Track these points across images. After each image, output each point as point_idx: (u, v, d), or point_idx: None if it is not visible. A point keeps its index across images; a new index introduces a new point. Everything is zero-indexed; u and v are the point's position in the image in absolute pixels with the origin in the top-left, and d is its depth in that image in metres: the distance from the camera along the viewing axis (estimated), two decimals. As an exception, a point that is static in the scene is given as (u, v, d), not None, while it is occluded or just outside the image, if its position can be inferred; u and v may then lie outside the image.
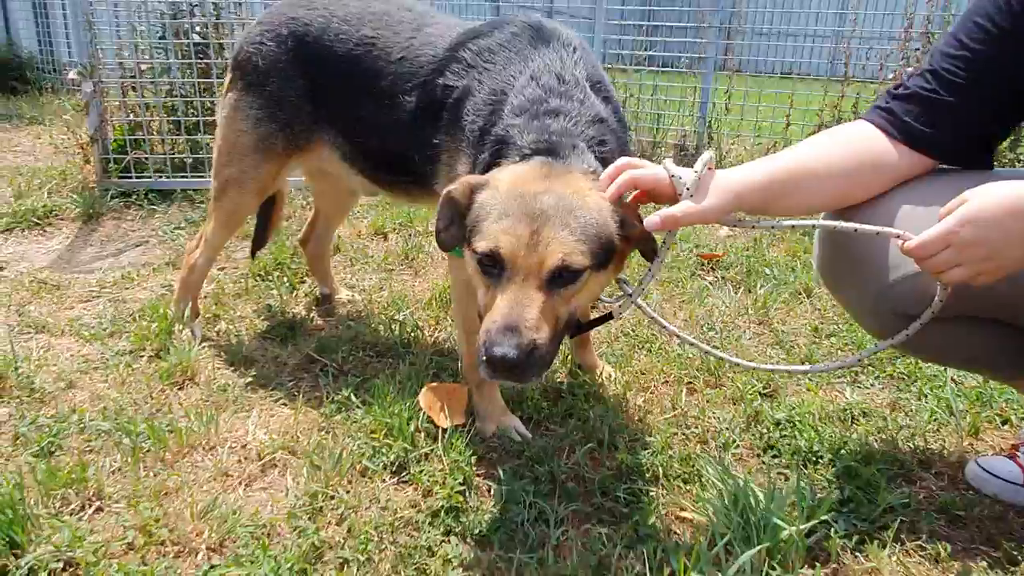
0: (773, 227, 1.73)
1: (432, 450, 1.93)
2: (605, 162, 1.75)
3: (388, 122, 2.15)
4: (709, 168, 1.59)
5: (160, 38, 4.65)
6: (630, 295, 1.83)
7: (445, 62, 2.02)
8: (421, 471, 1.86)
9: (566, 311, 1.58)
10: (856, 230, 1.62)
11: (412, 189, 2.32)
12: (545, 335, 1.49)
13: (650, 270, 1.74)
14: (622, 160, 1.65)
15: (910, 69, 4.86)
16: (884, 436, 2.16)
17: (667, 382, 2.46)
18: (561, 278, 1.53)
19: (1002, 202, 1.39)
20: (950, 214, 1.45)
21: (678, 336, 1.88)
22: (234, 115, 2.41)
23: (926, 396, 2.40)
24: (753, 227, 1.73)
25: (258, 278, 3.20)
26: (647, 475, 1.89)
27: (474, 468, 1.89)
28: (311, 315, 2.90)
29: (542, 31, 1.95)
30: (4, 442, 1.96)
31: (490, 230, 1.55)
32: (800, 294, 3.30)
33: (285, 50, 2.31)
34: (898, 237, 1.54)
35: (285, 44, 2.31)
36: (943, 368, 2.52)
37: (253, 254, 2.96)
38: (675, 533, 1.71)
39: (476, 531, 1.69)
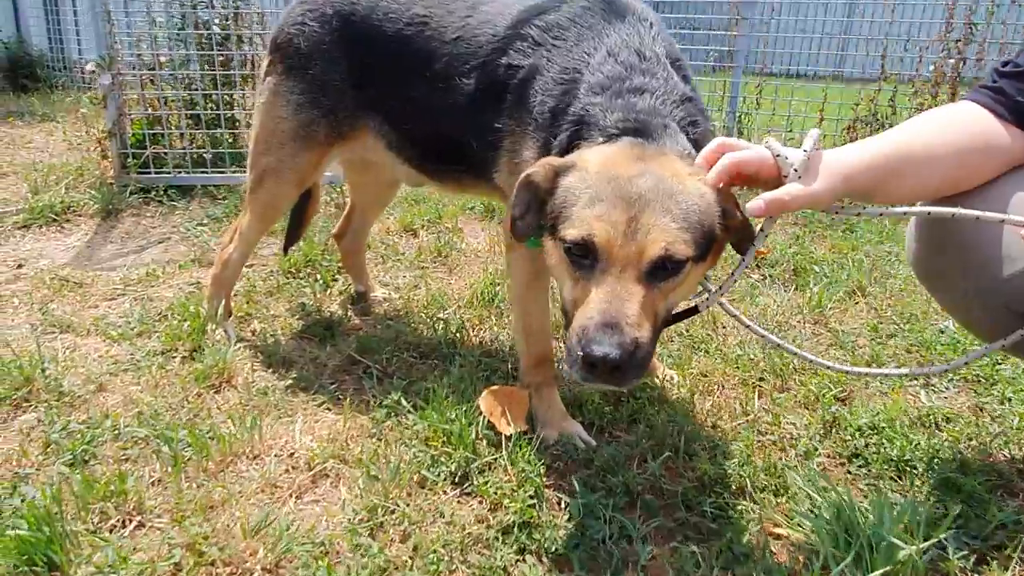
0: (882, 214, 1.57)
1: (496, 459, 1.78)
2: (697, 145, 1.61)
3: (442, 106, 2.00)
4: (817, 148, 1.45)
5: (179, 30, 4.52)
6: (713, 291, 1.68)
7: (508, 40, 1.87)
8: (486, 482, 1.72)
9: (664, 307, 1.44)
10: (978, 218, 1.47)
11: (464, 178, 2.17)
12: (647, 333, 1.35)
13: (743, 261, 1.60)
14: (717, 141, 1.50)
15: (951, 61, 4.71)
16: (975, 444, 2.01)
17: (731, 385, 2.31)
18: (663, 270, 1.39)
19: None
20: None
21: (770, 340, 1.73)
22: (273, 101, 2.26)
23: (1009, 400, 2.25)
24: (858, 215, 1.57)
25: (289, 276, 3.06)
26: (732, 487, 1.74)
27: (544, 479, 1.74)
28: (348, 314, 2.76)
29: (615, 4, 1.81)
30: (34, 449, 1.82)
31: (582, 216, 1.41)
32: (855, 293, 3.15)
33: (329, 31, 2.16)
34: None
35: (329, 24, 2.16)
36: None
37: (286, 250, 2.82)
38: (772, 552, 1.56)
39: (553, 549, 1.54)
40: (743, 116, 5.59)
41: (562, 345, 1.97)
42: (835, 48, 7.09)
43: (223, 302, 2.50)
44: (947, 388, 2.37)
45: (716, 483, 1.75)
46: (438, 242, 3.57)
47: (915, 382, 2.40)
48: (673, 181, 1.42)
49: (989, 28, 4.78)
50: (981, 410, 2.21)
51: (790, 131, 5.75)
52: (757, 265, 3.52)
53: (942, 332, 2.75)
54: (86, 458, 1.79)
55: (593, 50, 1.73)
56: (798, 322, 2.91)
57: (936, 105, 4.67)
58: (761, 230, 1.56)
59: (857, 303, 3.08)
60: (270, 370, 2.31)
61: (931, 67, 4.83)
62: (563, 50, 1.77)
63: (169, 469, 1.75)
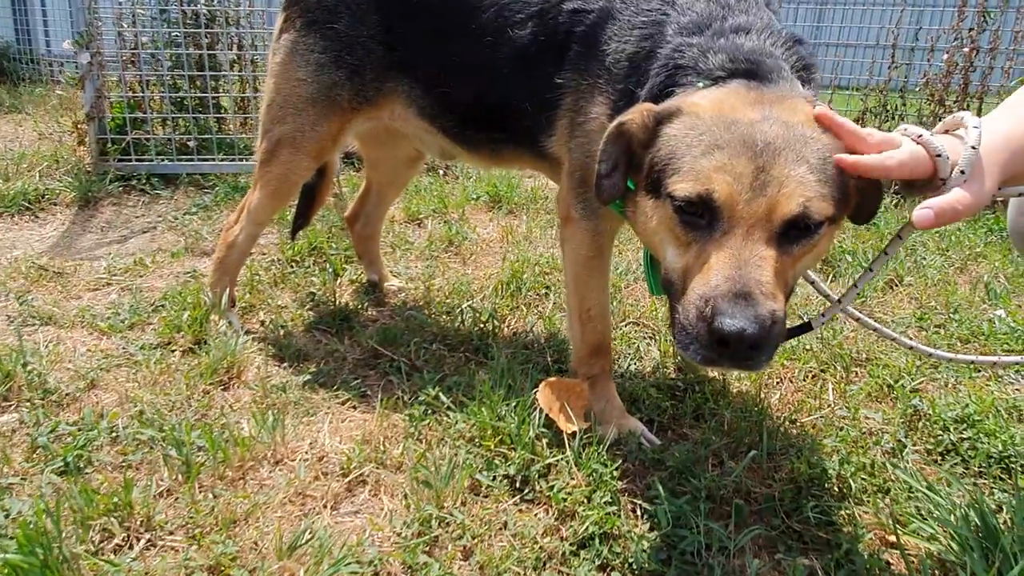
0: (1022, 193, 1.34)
1: (559, 460, 1.56)
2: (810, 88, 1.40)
3: (489, 64, 1.77)
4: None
5: (163, 8, 4.22)
6: (838, 301, 1.48)
7: None
8: (551, 487, 1.49)
9: (794, 275, 1.23)
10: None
11: (504, 149, 1.95)
12: (782, 305, 1.14)
13: (870, 267, 1.40)
14: (846, 127, 1.25)
15: (965, 50, 4.59)
16: (1072, 438, 1.83)
17: (794, 377, 2.11)
18: (798, 230, 1.18)
19: None
20: None
21: (910, 346, 1.53)
22: (290, 60, 2.01)
23: (1091, 390, 2.09)
24: (1021, 194, 1.35)
25: (293, 264, 2.80)
26: (832, 489, 1.54)
27: (618, 483, 1.52)
28: (363, 304, 2.51)
29: None
30: (18, 455, 1.55)
31: (697, 168, 1.19)
32: (894, 283, 2.98)
33: None
34: None
35: None
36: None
37: (294, 234, 2.56)
38: (890, 564, 1.35)
39: (643, 565, 1.32)
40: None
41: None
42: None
43: (228, 289, 2.24)
44: (1016, 379, 2.20)
45: (812, 484, 1.54)
46: (449, 231, 3.33)
47: (981, 373, 2.23)
48: (805, 127, 1.22)
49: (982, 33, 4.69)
50: (1063, 400, 2.05)
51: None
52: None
53: (993, 322, 2.59)
54: (80, 465, 1.52)
55: None
56: (841, 313, 2.73)
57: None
58: (899, 236, 1.35)
59: (898, 294, 2.91)
60: (284, 364, 2.06)
61: (944, 56, 4.71)
62: None
63: (180, 477, 1.50)
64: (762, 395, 1.98)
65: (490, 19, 1.76)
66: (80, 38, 3.76)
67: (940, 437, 1.78)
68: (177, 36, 4.16)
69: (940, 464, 1.72)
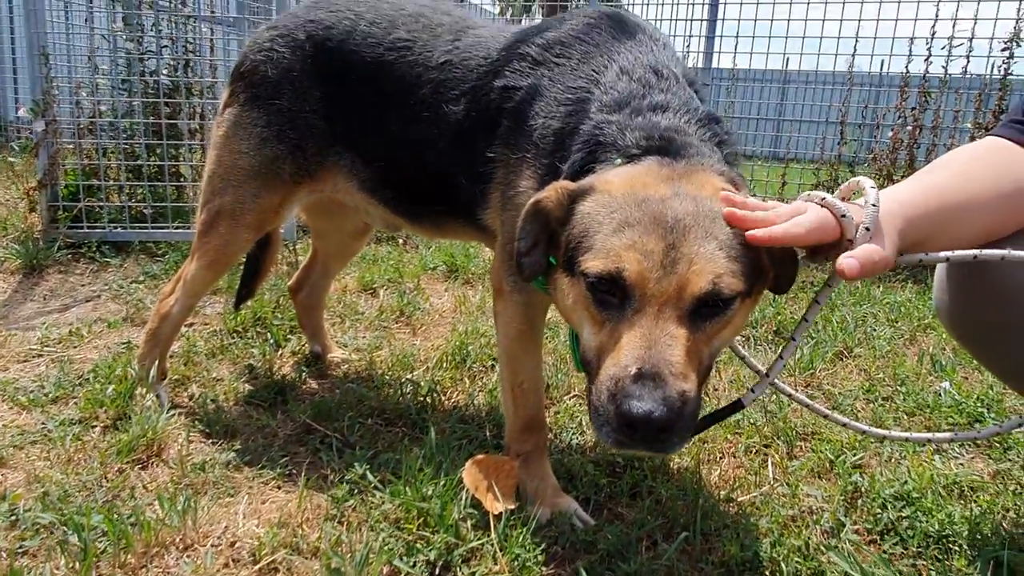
0: (949, 259, 1.36)
1: (483, 544, 1.49)
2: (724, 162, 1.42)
3: (425, 138, 1.79)
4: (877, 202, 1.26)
5: (124, 78, 4.25)
6: (766, 374, 1.48)
7: (503, 61, 1.68)
8: (473, 573, 1.42)
9: (708, 353, 1.21)
10: None
11: (445, 221, 1.94)
12: (694, 385, 1.12)
13: (793, 337, 1.40)
14: (750, 203, 1.27)
15: (909, 127, 4.78)
16: (1011, 515, 1.80)
17: (737, 453, 2.08)
18: (709, 307, 1.17)
19: None
20: None
21: (843, 423, 1.53)
22: (233, 134, 2.01)
23: (1031, 466, 2.07)
24: (920, 262, 1.37)
25: (235, 335, 2.74)
26: (765, 573, 1.48)
27: (543, 568, 1.46)
28: (302, 376, 2.45)
29: (625, 23, 1.64)
30: (-98, 543, 1.45)
31: (608, 245, 1.19)
32: (843, 354, 3.00)
33: (302, 57, 1.94)
34: None
35: (302, 50, 1.94)
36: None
37: (238, 305, 2.51)
38: (822, 654, 1.30)
39: (562, 659, 1.25)
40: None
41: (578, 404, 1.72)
42: (771, 129, 7.24)
43: (156, 362, 2.17)
44: (960, 454, 2.19)
45: (744, 568, 1.49)
46: (400, 301, 3.30)
47: (925, 448, 2.21)
48: (714, 201, 1.22)
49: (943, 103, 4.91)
50: (1003, 477, 2.03)
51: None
52: (737, 326, 3.36)
53: (939, 395, 2.59)
54: (-30, 552, 1.42)
55: (603, 68, 1.55)
56: (790, 384, 2.72)
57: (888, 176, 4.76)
58: (816, 301, 1.36)
59: (847, 364, 2.92)
60: (210, 441, 1.98)
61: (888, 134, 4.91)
62: (568, 68, 1.59)
63: (77, 565, 1.40)
64: (701, 471, 1.93)
65: (427, 95, 1.79)
66: (36, 106, 3.76)
67: (879, 515, 1.74)
68: (136, 105, 4.18)
69: (879, 544, 1.68)
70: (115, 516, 1.51)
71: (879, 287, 4.09)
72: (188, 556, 1.49)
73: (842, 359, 2.97)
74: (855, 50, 5.01)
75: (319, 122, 1.97)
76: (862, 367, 2.89)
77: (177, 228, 4.08)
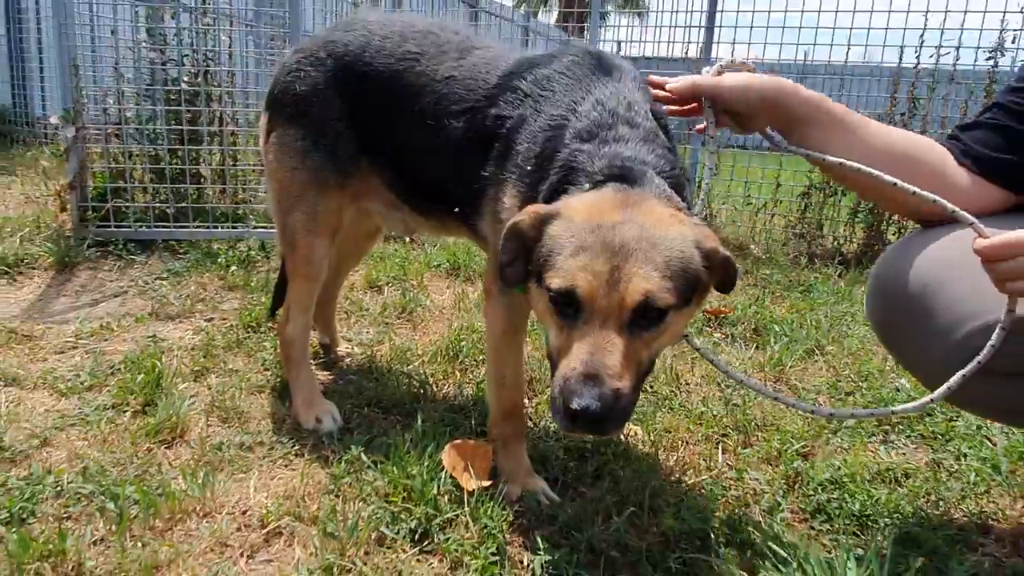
0: (809, 155, 1.64)
1: (458, 515, 1.74)
2: (675, 189, 1.66)
3: (429, 145, 2.02)
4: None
5: (148, 86, 4.53)
6: (689, 339, 1.74)
7: (498, 91, 1.91)
8: (447, 539, 1.67)
9: (648, 355, 1.45)
10: (914, 192, 1.52)
11: (448, 220, 2.16)
12: (628, 383, 1.36)
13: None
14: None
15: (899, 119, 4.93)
16: (933, 498, 2.02)
17: (695, 441, 2.31)
18: (645, 319, 1.40)
19: None
20: None
21: (755, 388, 1.78)
22: (282, 152, 2.22)
23: (966, 456, 2.28)
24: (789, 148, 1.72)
25: (250, 330, 3.00)
26: (698, 543, 1.72)
27: (507, 536, 1.70)
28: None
29: (603, 61, 1.87)
30: (-33, 508, 1.72)
31: (566, 266, 1.43)
32: (814, 351, 3.21)
33: (324, 72, 2.17)
34: (972, 226, 1.46)
35: (324, 66, 2.17)
36: (979, 426, 2.42)
37: (273, 312, 2.73)
38: (737, 609, 1.53)
39: (516, 608, 1.49)
40: (702, 182, 5.75)
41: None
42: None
43: (313, 383, 2.37)
44: (905, 444, 2.41)
45: (681, 539, 1.73)
46: (403, 298, 3.55)
47: (875, 438, 2.43)
48: (656, 228, 1.45)
49: (930, 104, 5.06)
50: (939, 465, 2.24)
51: (748, 198, 5.96)
52: (719, 324, 3.58)
53: (898, 390, 2.80)
54: (24, 516, 1.69)
55: (581, 99, 1.78)
56: (760, 379, 2.94)
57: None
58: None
59: (816, 361, 3.13)
60: (226, 425, 2.24)
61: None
62: (550, 100, 1.82)
63: (113, 527, 1.67)
64: (660, 457, 2.17)
65: (431, 105, 2.02)
66: (66, 114, 4.05)
67: (812, 497, 1.97)
68: (159, 111, 4.45)
69: (809, 522, 1.91)
70: (145, 487, 1.78)
71: (862, 288, 4.27)
72: (207, 521, 1.75)
73: (813, 356, 3.17)
74: (853, 40, 5.12)
75: (345, 129, 2.18)
76: (831, 364, 3.10)
77: (197, 227, 4.35)
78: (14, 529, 1.62)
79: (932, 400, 1.59)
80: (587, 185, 1.62)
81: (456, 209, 2.07)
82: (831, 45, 5.39)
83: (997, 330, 1.46)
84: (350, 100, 2.17)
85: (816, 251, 5.26)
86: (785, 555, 1.61)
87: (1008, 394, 1.59)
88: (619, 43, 7.07)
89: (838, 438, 2.39)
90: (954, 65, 4.91)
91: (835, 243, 5.31)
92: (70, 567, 1.53)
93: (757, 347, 3.28)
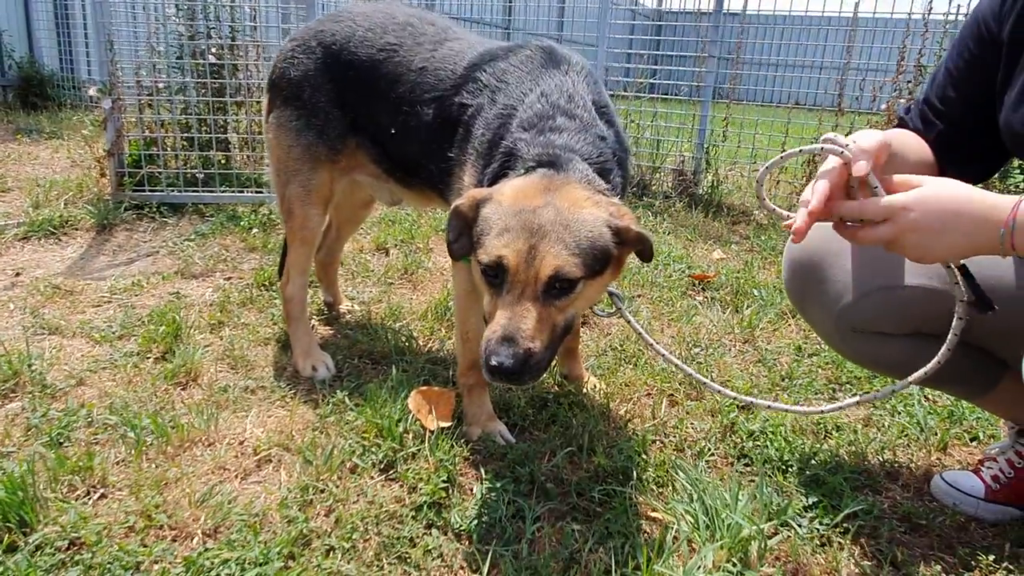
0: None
1: (419, 450, 2.03)
2: (602, 174, 1.88)
3: (406, 128, 2.28)
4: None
5: (177, 58, 4.84)
6: (621, 308, 1.97)
7: (463, 81, 2.15)
8: (408, 469, 1.97)
9: (562, 319, 1.70)
10: (800, 150, 1.59)
11: (428, 192, 2.44)
12: (540, 344, 1.61)
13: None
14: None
15: (902, 101, 5.00)
16: (854, 449, 2.25)
17: (649, 394, 2.56)
18: (556, 289, 1.65)
19: (954, 196, 1.40)
20: (902, 192, 1.44)
21: (662, 354, 1.98)
22: (279, 131, 2.51)
23: (899, 413, 2.49)
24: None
25: (262, 288, 3.33)
26: (621, 478, 1.99)
27: (458, 468, 2.00)
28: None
29: (554, 55, 2.10)
30: (17, 432, 2.08)
31: (493, 244, 1.68)
32: (786, 315, 3.40)
33: (314, 59, 2.44)
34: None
35: (314, 54, 2.44)
36: (917, 388, 2.61)
37: (281, 272, 3.04)
38: (644, 531, 1.80)
39: (456, 525, 1.79)
40: (711, 147, 5.88)
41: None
42: (796, 79, 7.33)
43: (310, 336, 2.66)
44: (855, 412, 2.61)
45: (608, 474, 2.00)
46: (406, 260, 3.84)
47: (820, 395, 2.65)
48: (570, 211, 1.69)
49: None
50: (871, 421, 2.46)
51: (754, 160, 6.05)
52: (703, 288, 3.79)
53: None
54: (61, 440, 2.04)
55: (528, 91, 2.01)
56: (729, 340, 3.16)
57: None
58: None
59: (788, 325, 3.33)
60: (233, 371, 2.57)
61: (883, 105, 5.13)
62: (504, 91, 2.06)
63: (132, 451, 2.00)
64: (611, 407, 2.43)
65: (407, 93, 2.28)
66: (103, 87, 4.38)
67: (739, 444, 2.22)
68: (188, 82, 4.76)
69: (733, 465, 2.16)
70: (160, 421, 2.11)
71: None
72: (210, 450, 2.08)
73: (784, 319, 3.37)
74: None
75: (334, 110, 2.45)
76: (801, 327, 3.30)
77: (224, 192, 4.69)
78: (53, 450, 1.96)
79: (858, 402, 1.78)
80: (521, 170, 1.86)
81: (433, 184, 2.33)
82: None
83: (957, 304, 1.57)
84: (338, 85, 2.43)
85: (819, 218, 5.36)
86: (696, 490, 1.87)
87: (891, 351, 1.80)
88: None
89: (786, 395, 2.62)
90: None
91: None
92: (96, 480, 1.87)
93: (735, 310, 3.48)
